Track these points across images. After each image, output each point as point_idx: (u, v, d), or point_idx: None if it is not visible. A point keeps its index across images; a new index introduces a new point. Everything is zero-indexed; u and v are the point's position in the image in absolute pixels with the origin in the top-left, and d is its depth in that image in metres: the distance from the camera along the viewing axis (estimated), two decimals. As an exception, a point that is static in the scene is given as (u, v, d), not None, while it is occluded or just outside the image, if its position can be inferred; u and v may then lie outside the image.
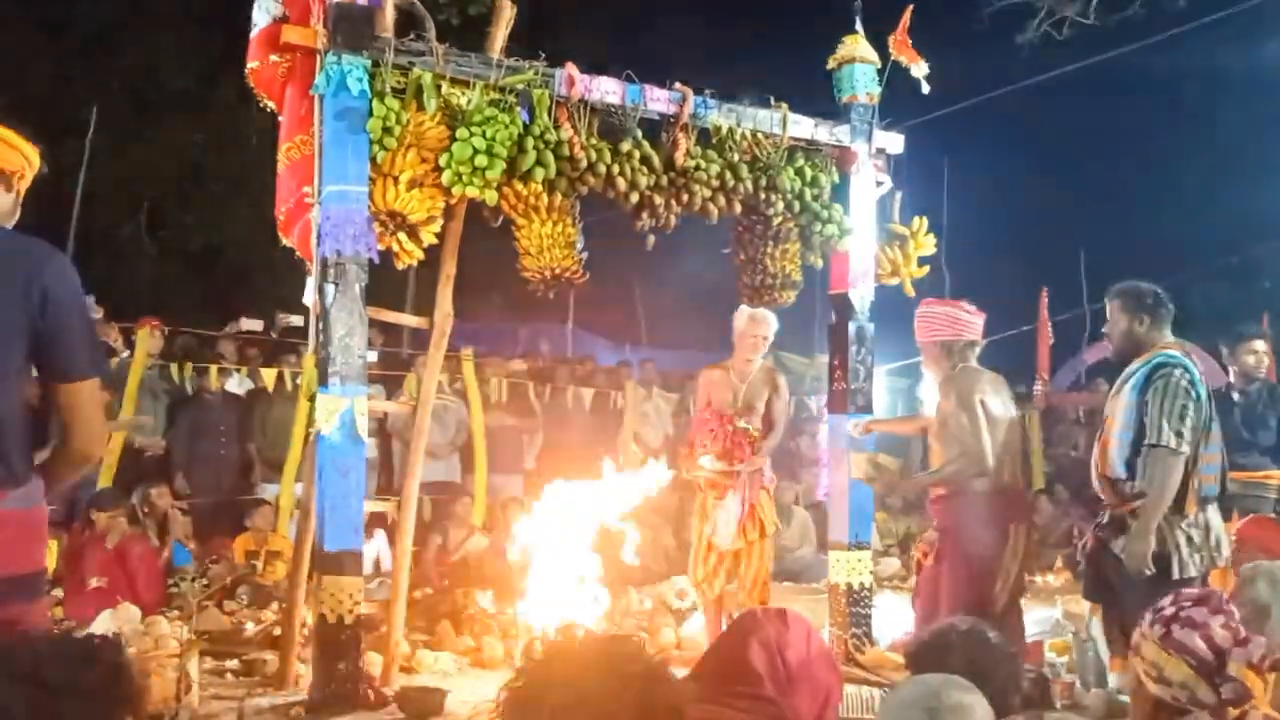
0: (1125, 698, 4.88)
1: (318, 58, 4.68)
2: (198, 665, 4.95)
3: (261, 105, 5.13)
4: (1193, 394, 4.33)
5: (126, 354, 8.29)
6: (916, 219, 6.09)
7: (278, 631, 5.71)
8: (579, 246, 5.16)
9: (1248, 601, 3.60)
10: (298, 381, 8.48)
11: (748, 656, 3.09)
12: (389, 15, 4.79)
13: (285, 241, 5.05)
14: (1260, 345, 6.41)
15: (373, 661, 5.08)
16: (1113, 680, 4.83)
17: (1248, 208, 14.64)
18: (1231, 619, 2.70)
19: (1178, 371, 4.35)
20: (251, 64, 4.93)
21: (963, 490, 4.74)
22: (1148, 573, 4.26)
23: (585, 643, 1.76)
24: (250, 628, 6.33)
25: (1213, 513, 4.47)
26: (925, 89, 5.97)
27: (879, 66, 5.90)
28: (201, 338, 9.79)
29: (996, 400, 4.90)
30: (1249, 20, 11.44)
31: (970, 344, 4.92)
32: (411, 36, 4.83)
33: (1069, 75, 11.67)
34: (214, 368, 8.65)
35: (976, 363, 5.05)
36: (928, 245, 6.10)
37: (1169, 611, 2.80)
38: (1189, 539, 4.32)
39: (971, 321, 4.94)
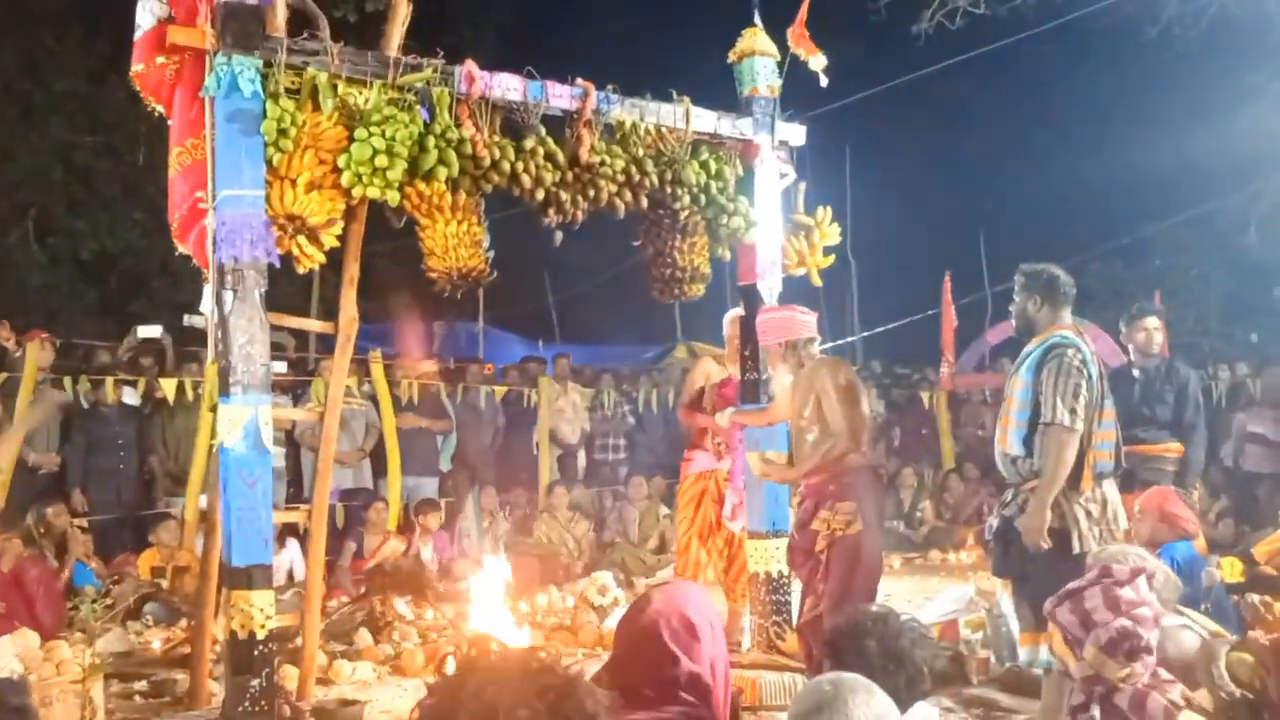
0: (1037, 671, 5.01)
1: (207, 59, 4.53)
2: (103, 689, 4.79)
3: (150, 109, 4.96)
4: (1085, 372, 4.47)
5: (19, 353, 7.98)
6: (820, 209, 6.16)
7: (187, 649, 5.56)
8: (486, 245, 5.09)
9: None
10: (199, 391, 8.25)
11: (660, 655, 3.09)
12: (280, 14, 4.66)
13: (180, 248, 4.89)
14: (1152, 323, 6.60)
15: (289, 675, 4.97)
16: (1022, 655, 4.94)
17: (1139, 189, 15.17)
18: (1110, 594, 2.76)
19: (1070, 351, 4.49)
20: (137, 66, 4.75)
21: (850, 466, 4.90)
22: (1044, 545, 4.38)
23: (499, 657, 1.73)
24: (157, 646, 6.15)
25: (1109, 488, 4.61)
26: (824, 81, 6.02)
27: (779, 59, 5.93)
28: (97, 348, 9.46)
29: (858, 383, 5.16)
30: (1135, 4, 11.81)
31: (810, 340, 5.19)
32: (305, 35, 4.71)
33: (964, 63, 11.90)
34: (110, 379, 8.37)
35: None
36: (833, 235, 6.17)
37: (1071, 587, 2.88)
38: (1087, 513, 4.45)
39: (807, 321, 5.21)
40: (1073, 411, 4.38)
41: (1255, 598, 4.60)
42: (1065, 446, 4.38)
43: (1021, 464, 4.54)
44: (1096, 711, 2.54)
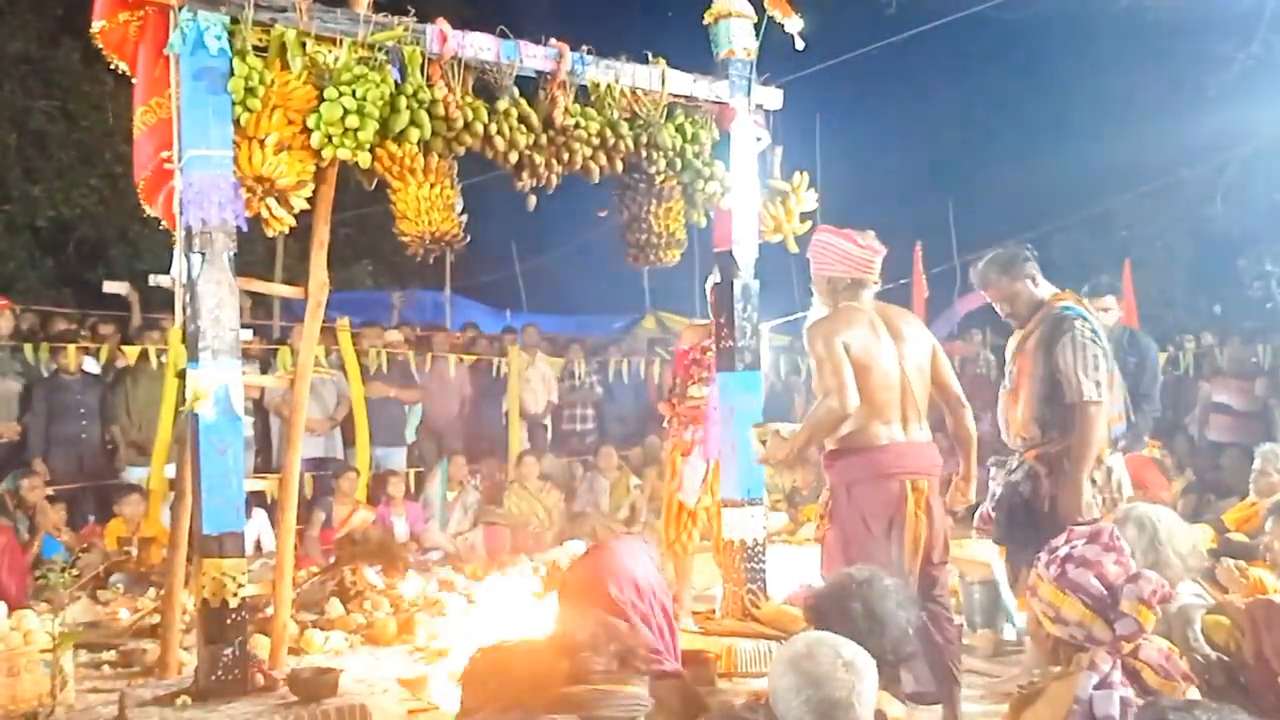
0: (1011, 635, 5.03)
1: (171, 14, 4.40)
2: (72, 659, 4.72)
3: (111, 67, 4.82)
4: (1098, 343, 4.43)
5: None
6: (797, 174, 6.10)
7: (156, 619, 5.49)
8: (458, 208, 5.01)
9: None
10: (162, 359, 8.12)
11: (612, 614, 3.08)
12: (247, -32, 4.53)
13: (150, 210, 4.76)
14: (1107, 302, 6.54)
15: (260, 644, 4.91)
16: (1022, 620, 4.96)
17: (1107, 159, 15.21)
18: (1122, 555, 2.79)
19: (1079, 323, 4.41)
20: (98, 23, 4.60)
21: (849, 446, 4.29)
22: (1081, 519, 4.36)
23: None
24: (125, 615, 6.08)
25: (1112, 458, 4.60)
26: (799, 44, 5.95)
27: (755, 21, 5.86)
28: (56, 316, 9.28)
29: (872, 342, 4.26)
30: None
31: (856, 282, 4.35)
32: (273, -10, 4.58)
33: (934, 32, 11.88)
34: (71, 347, 8.21)
35: (870, 302, 4.43)
36: (809, 200, 6.11)
37: (1063, 551, 2.88)
38: (1092, 481, 4.44)
39: (861, 258, 4.35)
40: (1097, 384, 4.35)
41: (1230, 562, 4.65)
42: (1097, 421, 4.35)
43: (1037, 439, 4.50)
44: (1117, 675, 2.55)
